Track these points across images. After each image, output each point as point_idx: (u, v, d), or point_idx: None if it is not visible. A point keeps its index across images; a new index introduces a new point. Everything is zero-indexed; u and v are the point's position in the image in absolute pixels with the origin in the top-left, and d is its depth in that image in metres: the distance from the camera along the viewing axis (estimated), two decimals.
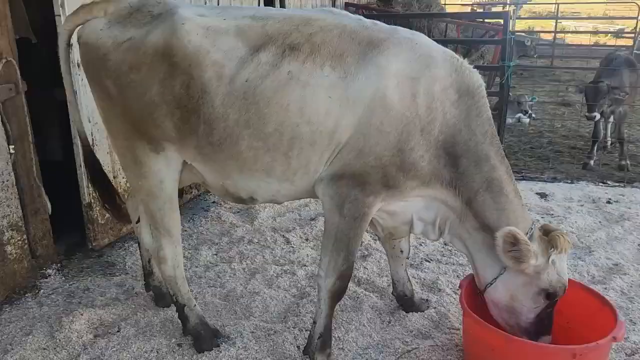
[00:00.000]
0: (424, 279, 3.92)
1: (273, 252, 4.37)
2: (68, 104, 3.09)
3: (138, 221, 3.39)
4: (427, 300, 3.59)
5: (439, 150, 2.62)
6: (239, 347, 3.06)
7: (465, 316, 2.85)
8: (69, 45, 2.82)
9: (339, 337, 3.19)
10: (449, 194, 2.73)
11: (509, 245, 2.51)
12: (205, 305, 3.50)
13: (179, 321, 3.18)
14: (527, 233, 2.62)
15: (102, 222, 4.33)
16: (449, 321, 3.35)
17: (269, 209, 5.23)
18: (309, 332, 2.98)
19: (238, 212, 5.25)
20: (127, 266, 4.13)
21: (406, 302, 3.48)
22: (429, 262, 4.25)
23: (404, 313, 3.45)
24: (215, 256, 4.31)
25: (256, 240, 4.57)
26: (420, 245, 4.52)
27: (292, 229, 4.83)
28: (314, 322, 2.90)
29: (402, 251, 3.38)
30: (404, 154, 2.57)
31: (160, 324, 3.30)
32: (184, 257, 3.43)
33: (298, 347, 3.08)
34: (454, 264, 4.16)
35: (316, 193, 2.73)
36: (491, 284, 2.73)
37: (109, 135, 2.95)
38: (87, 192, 4.14)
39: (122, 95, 2.62)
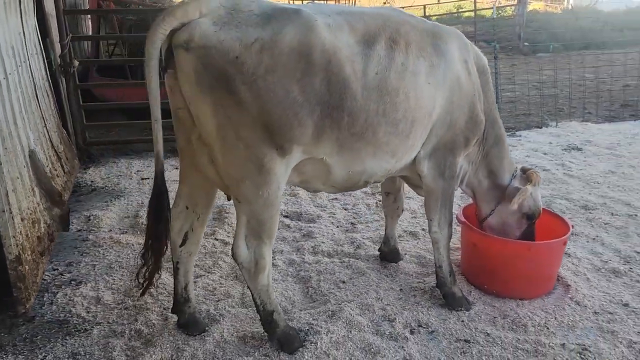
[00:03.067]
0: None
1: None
2: (154, 122, 2.51)
3: (182, 244, 3.10)
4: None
5: (484, 115, 3.40)
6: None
7: (462, 226, 3.86)
8: (159, 53, 2.47)
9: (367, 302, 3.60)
10: (474, 150, 3.50)
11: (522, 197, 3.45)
12: None
13: (264, 332, 3.08)
14: (514, 173, 3.64)
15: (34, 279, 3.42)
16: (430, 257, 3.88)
17: None
18: (435, 273, 3.64)
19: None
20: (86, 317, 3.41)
21: (394, 254, 4.13)
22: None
23: (395, 264, 4.10)
24: None
25: None
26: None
27: None
28: (440, 267, 3.53)
29: (402, 209, 4.10)
30: (473, 120, 3.29)
31: None
32: None
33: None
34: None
35: (418, 168, 3.28)
36: (490, 215, 3.70)
37: (221, 147, 2.57)
38: (15, 242, 3.21)
39: (258, 99, 2.46)
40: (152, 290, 3.68)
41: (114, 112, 8.50)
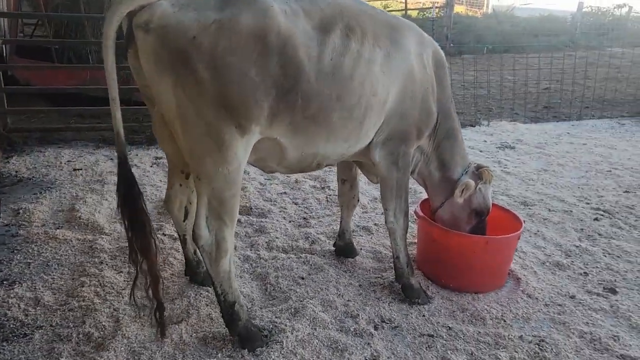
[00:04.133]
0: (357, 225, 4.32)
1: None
2: (112, 102, 2.48)
3: (185, 219, 3.37)
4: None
5: (437, 108, 3.51)
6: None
7: (419, 219, 3.92)
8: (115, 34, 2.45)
9: (327, 298, 3.57)
10: (427, 142, 3.62)
11: (461, 192, 3.65)
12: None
13: (226, 327, 2.95)
14: (466, 168, 3.75)
15: None
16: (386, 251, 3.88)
17: None
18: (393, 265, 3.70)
19: None
20: None
21: (350, 249, 4.11)
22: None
23: (351, 259, 4.08)
24: None
25: None
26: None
27: None
28: (397, 257, 3.59)
29: (358, 199, 4.10)
30: (425, 112, 3.39)
31: None
32: None
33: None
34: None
35: (371, 155, 3.34)
36: (440, 207, 3.81)
37: (181, 124, 2.60)
38: None
39: (216, 78, 2.50)
40: (99, 289, 3.42)
41: (38, 97, 7.87)
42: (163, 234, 4.29)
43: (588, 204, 5.44)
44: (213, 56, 2.46)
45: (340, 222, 4.13)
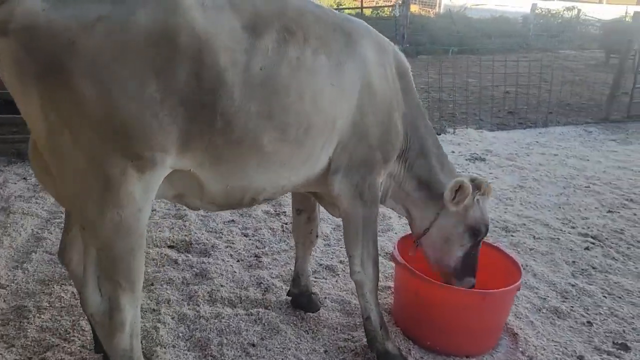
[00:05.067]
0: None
1: None
2: None
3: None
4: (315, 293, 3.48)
5: (403, 125, 2.88)
6: None
7: (398, 267, 3.15)
8: None
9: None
10: (397, 165, 2.97)
11: (453, 193, 2.86)
12: None
13: None
14: None
15: None
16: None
17: None
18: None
19: None
20: None
21: (308, 300, 3.35)
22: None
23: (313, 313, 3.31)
24: None
25: None
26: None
27: None
28: (368, 318, 2.90)
29: (317, 235, 3.40)
30: (390, 132, 2.79)
31: None
32: None
33: None
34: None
35: (330, 188, 2.72)
36: (428, 230, 3.02)
37: (52, 156, 2.02)
38: None
39: (104, 95, 1.91)
40: None
41: None
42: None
43: (574, 228, 4.89)
44: (98, 66, 1.88)
45: (296, 262, 3.39)
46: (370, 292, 2.87)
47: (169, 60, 1.98)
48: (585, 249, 4.44)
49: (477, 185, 2.95)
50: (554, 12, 26.30)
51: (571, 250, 4.42)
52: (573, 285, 3.85)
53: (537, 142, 8.06)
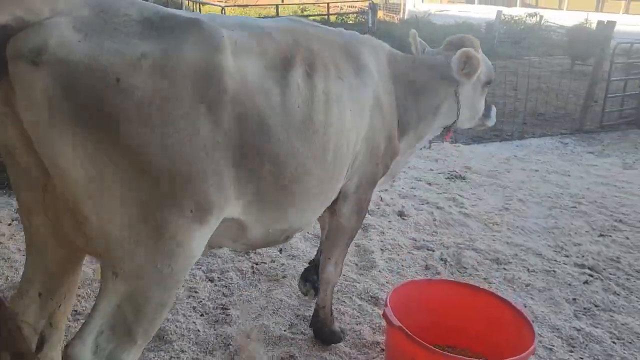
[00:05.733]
0: None
1: None
2: None
3: (39, 349, 2.04)
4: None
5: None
6: None
7: (392, 329, 2.66)
8: None
9: None
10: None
11: (462, 64, 3.00)
12: None
13: None
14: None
15: None
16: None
17: None
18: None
19: None
20: None
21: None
22: None
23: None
24: None
25: None
26: None
27: None
28: (324, 307, 3.13)
29: None
30: (392, 144, 2.89)
31: None
32: None
33: None
34: None
35: (337, 208, 2.85)
36: (456, 122, 3.25)
37: (94, 205, 1.73)
38: None
39: (156, 139, 1.72)
40: None
41: None
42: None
43: (568, 257, 4.54)
44: (147, 107, 1.69)
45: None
46: (332, 287, 3.15)
47: (216, 101, 1.85)
48: (584, 282, 4.08)
49: (469, 45, 3.11)
50: (517, 18, 26.54)
51: (569, 285, 4.05)
52: (578, 330, 3.47)
53: (515, 156, 7.77)
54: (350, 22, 25.57)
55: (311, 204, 2.42)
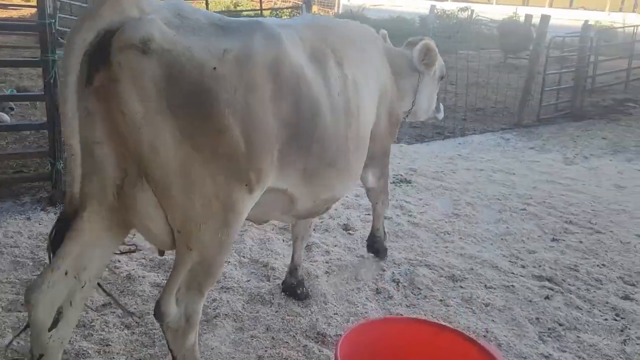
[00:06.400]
0: None
1: None
2: (70, 158, 1.85)
3: (53, 327, 2.10)
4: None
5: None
6: None
7: None
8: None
9: None
10: None
11: (423, 55, 3.58)
12: None
13: None
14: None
15: None
16: None
17: None
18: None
19: None
20: None
21: (301, 288, 3.55)
22: None
23: None
24: None
25: None
26: None
27: None
28: (378, 229, 4.09)
29: (313, 229, 3.99)
30: (395, 115, 3.49)
31: None
32: None
33: None
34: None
35: (364, 182, 3.70)
36: (410, 111, 3.80)
37: (183, 186, 1.98)
38: None
39: (239, 124, 2.01)
40: None
41: None
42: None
43: (524, 267, 4.25)
44: (237, 95, 1.99)
45: (293, 256, 3.63)
46: (382, 217, 4.10)
47: (279, 90, 2.15)
48: (545, 298, 3.78)
49: (424, 44, 3.60)
50: (449, 12, 26.86)
51: (530, 301, 3.73)
52: (547, 357, 3.14)
53: (459, 155, 7.55)
54: (285, 17, 25.03)
55: (350, 176, 2.84)
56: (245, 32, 2.09)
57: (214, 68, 1.90)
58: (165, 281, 3.62)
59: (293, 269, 3.57)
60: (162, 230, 2.14)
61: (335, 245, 4.37)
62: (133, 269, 3.73)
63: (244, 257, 4.03)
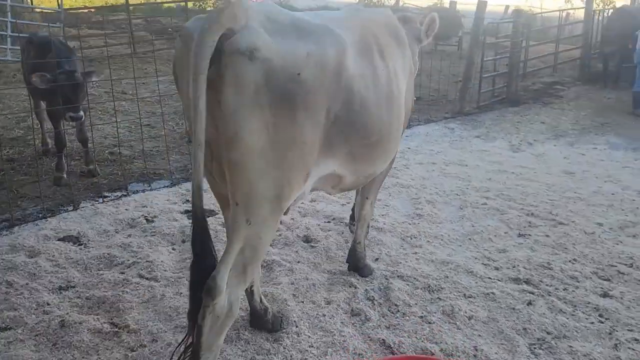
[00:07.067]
0: None
1: None
2: (196, 147, 2.05)
3: None
4: None
5: None
6: None
7: None
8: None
9: None
10: None
11: (427, 26, 3.57)
12: None
13: None
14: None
15: None
16: None
17: None
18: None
19: None
20: None
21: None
22: None
23: None
24: None
25: None
26: None
27: None
28: (359, 243, 3.81)
29: None
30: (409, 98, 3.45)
31: None
32: None
33: None
34: None
35: None
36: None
37: (259, 169, 2.23)
38: None
39: (311, 120, 2.31)
40: None
41: None
42: None
43: (498, 269, 4.03)
44: (311, 95, 2.28)
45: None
46: (367, 225, 3.86)
47: (338, 90, 2.42)
48: (527, 304, 3.56)
49: (406, 18, 3.58)
50: (376, 0, 26.87)
51: (514, 309, 3.50)
52: None
53: (408, 148, 7.31)
54: (210, 7, 24.00)
55: (388, 155, 3.08)
56: (319, 36, 2.34)
57: (298, 73, 2.19)
58: (109, 324, 3.12)
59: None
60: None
61: (299, 262, 3.96)
62: (67, 313, 3.14)
63: None
